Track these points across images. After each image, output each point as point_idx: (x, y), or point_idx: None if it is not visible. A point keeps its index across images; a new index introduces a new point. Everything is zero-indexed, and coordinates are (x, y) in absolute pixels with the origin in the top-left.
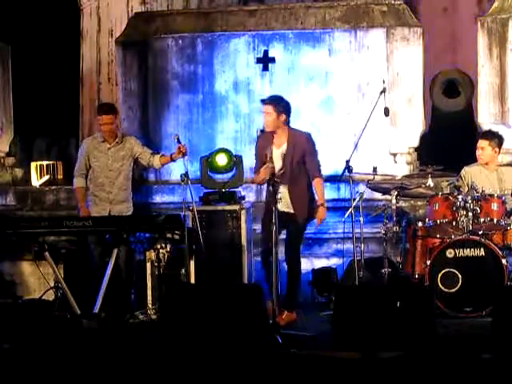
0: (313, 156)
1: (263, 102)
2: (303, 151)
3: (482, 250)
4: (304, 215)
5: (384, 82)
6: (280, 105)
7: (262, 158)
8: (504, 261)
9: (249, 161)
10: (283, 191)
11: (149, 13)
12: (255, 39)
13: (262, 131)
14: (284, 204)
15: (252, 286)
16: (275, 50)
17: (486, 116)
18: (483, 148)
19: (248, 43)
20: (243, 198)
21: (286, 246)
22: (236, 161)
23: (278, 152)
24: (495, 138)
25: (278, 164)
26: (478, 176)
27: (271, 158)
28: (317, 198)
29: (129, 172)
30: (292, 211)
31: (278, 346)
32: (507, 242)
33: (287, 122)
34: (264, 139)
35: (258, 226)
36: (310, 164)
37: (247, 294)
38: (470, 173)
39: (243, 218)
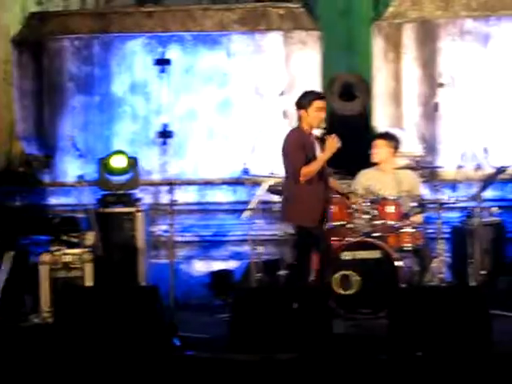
0: None
1: (324, 98)
2: None
3: (377, 252)
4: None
5: (282, 84)
6: None
7: (307, 150)
8: (399, 263)
9: (146, 163)
10: None
11: (45, 13)
12: (152, 41)
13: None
14: None
15: (148, 287)
16: (173, 52)
17: (382, 119)
18: (378, 147)
19: (145, 45)
20: (139, 200)
21: (324, 250)
22: (132, 163)
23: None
24: (392, 140)
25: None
26: (375, 179)
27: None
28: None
29: None
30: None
31: (174, 348)
32: (402, 244)
33: None
34: (302, 135)
35: (155, 228)
36: None
37: (143, 296)
38: (366, 175)
39: (140, 220)
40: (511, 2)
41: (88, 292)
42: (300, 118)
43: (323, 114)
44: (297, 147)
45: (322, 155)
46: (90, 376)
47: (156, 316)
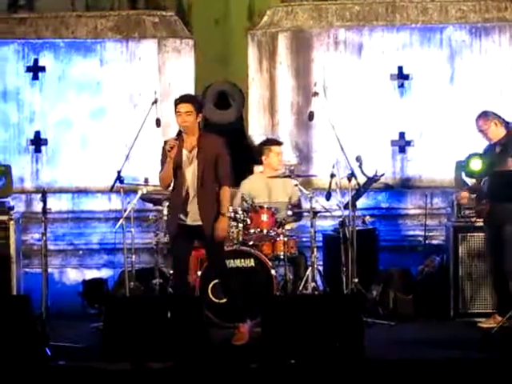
0: (225, 162)
1: (181, 100)
2: (216, 156)
3: (251, 260)
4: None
5: (156, 92)
6: (198, 104)
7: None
8: (273, 271)
9: (18, 171)
10: (190, 202)
11: None
12: (25, 47)
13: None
14: (191, 216)
15: (20, 297)
16: (45, 59)
17: (257, 128)
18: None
19: (17, 51)
20: (12, 208)
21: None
22: (4, 170)
23: (190, 156)
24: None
25: (188, 168)
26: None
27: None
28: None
29: None
30: (201, 223)
31: (46, 358)
32: (277, 252)
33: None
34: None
35: (28, 237)
36: (222, 170)
37: (15, 306)
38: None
39: (12, 228)
40: (383, 12)
41: None
42: None
43: (183, 118)
44: (162, 159)
45: None
46: None
47: (28, 325)
